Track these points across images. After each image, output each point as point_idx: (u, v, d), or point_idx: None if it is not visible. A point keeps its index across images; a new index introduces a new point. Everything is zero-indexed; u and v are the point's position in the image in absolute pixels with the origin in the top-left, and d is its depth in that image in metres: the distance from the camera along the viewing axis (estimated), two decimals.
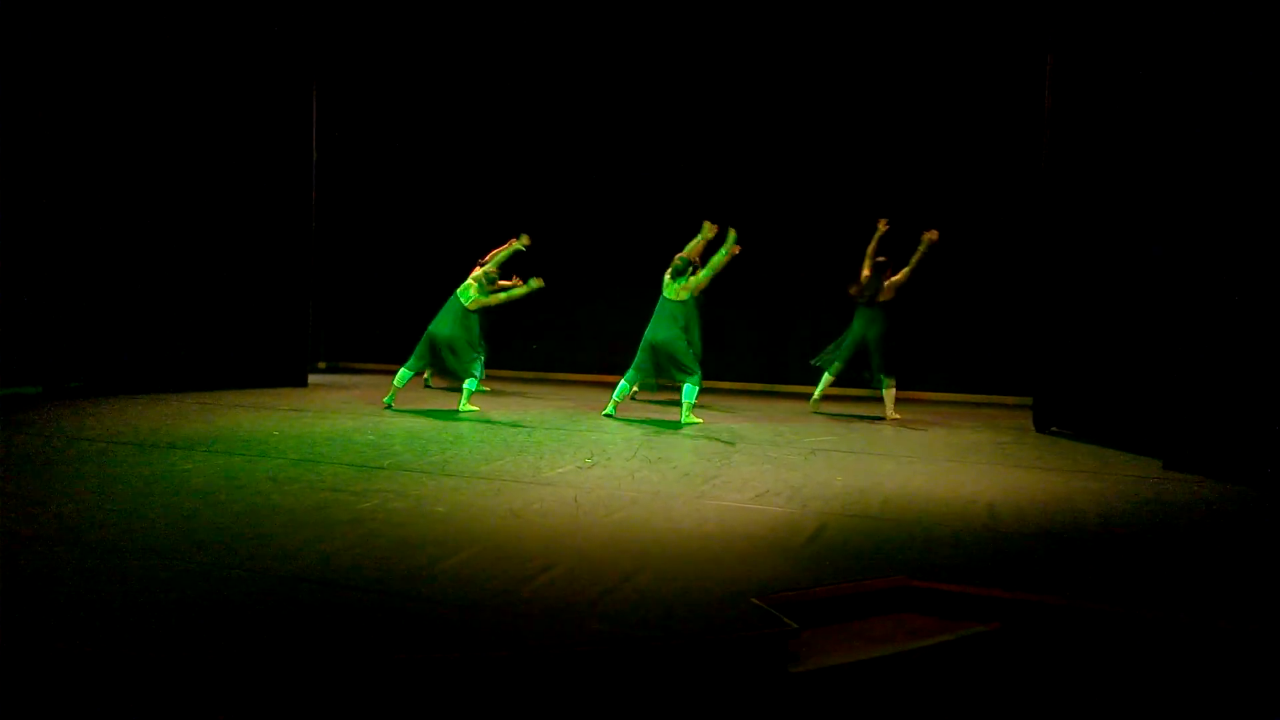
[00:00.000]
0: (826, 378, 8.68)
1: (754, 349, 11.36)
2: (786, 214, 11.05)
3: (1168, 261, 6.29)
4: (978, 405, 9.94)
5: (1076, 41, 7.59)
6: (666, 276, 7.95)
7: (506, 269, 8.92)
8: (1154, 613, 3.20)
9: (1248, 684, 3.02)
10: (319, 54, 10.56)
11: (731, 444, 6.66)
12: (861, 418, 8.47)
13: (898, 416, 8.37)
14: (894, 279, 8.45)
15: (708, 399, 9.92)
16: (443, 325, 8.24)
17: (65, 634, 2.80)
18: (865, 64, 10.78)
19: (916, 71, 10.61)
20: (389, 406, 8.23)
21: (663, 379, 8.09)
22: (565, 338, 12.07)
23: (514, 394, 9.98)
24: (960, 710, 3.02)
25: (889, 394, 8.44)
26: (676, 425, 7.61)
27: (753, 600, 3.16)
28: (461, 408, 8.14)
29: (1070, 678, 3.13)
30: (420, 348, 8.32)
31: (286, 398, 9.00)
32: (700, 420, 7.83)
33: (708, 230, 8.13)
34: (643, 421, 7.85)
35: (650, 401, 9.36)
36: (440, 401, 8.82)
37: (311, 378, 10.61)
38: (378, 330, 12.82)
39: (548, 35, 11.87)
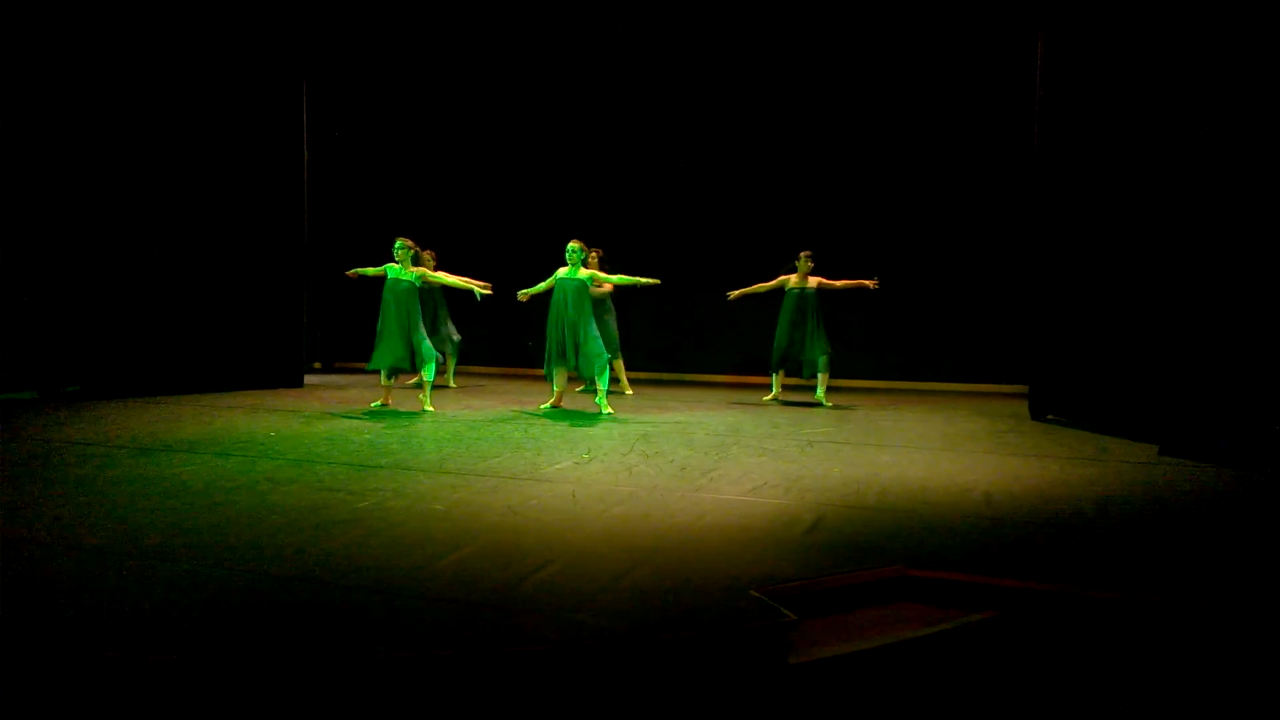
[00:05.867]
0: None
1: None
2: (784, 205, 11.05)
3: (1161, 248, 6.30)
4: (973, 394, 9.95)
5: (1068, 23, 7.58)
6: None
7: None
8: (1152, 598, 3.21)
9: (1246, 668, 3.03)
10: (310, 54, 10.53)
11: (728, 437, 6.67)
12: (854, 408, 8.49)
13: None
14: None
15: (703, 392, 9.93)
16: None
17: (64, 638, 2.80)
18: (856, 51, 10.77)
19: (906, 56, 10.60)
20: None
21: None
22: None
23: (511, 391, 9.98)
24: (960, 698, 3.03)
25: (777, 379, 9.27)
26: (674, 420, 7.61)
27: (751, 592, 3.17)
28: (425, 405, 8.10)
29: (1069, 665, 3.14)
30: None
31: (282, 399, 8.99)
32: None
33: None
34: (638, 416, 7.85)
35: (647, 398, 9.37)
36: (436, 401, 8.81)
37: (307, 378, 10.59)
38: (372, 330, 12.79)
39: (546, 29, 11.84)
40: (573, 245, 8.15)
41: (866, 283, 8.77)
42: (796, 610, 3.04)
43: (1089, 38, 7.35)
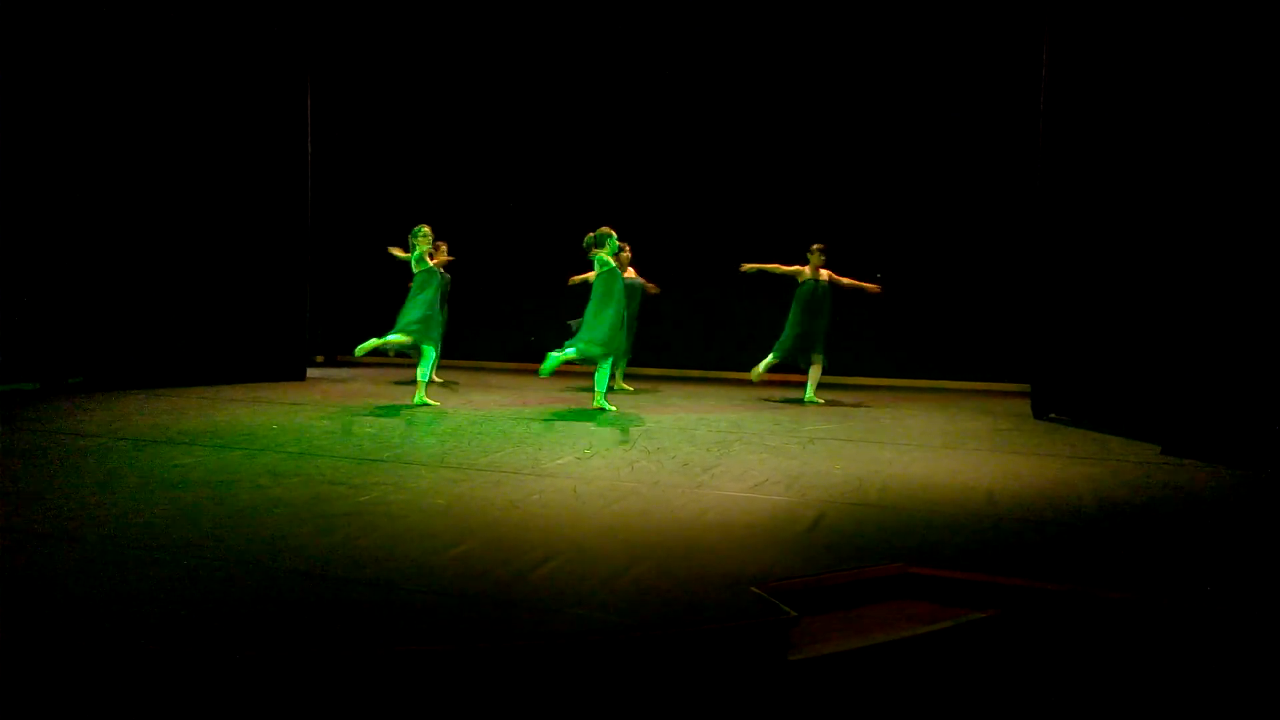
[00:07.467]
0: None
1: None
2: (791, 202, 11.04)
3: (1164, 247, 6.29)
4: (976, 392, 9.94)
5: (1074, 21, 7.56)
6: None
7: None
8: (1154, 597, 3.21)
9: (1245, 667, 3.03)
10: (314, 47, 10.51)
11: (730, 434, 6.67)
12: (855, 405, 8.48)
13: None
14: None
15: (704, 388, 9.93)
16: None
17: (64, 631, 2.80)
18: (864, 50, 10.76)
19: (913, 54, 10.58)
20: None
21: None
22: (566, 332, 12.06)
23: (511, 386, 9.98)
24: (960, 697, 3.03)
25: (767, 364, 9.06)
26: (675, 416, 7.61)
27: (752, 589, 3.17)
28: (417, 400, 8.06)
29: (1070, 664, 3.14)
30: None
31: (284, 392, 9.00)
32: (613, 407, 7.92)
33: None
34: (640, 412, 7.85)
35: (648, 395, 9.36)
36: (432, 396, 8.80)
37: (309, 371, 10.60)
38: (375, 324, 12.80)
39: (557, 22, 11.82)
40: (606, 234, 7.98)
41: (869, 286, 8.79)
42: (797, 607, 3.04)
43: (1095, 36, 7.33)
